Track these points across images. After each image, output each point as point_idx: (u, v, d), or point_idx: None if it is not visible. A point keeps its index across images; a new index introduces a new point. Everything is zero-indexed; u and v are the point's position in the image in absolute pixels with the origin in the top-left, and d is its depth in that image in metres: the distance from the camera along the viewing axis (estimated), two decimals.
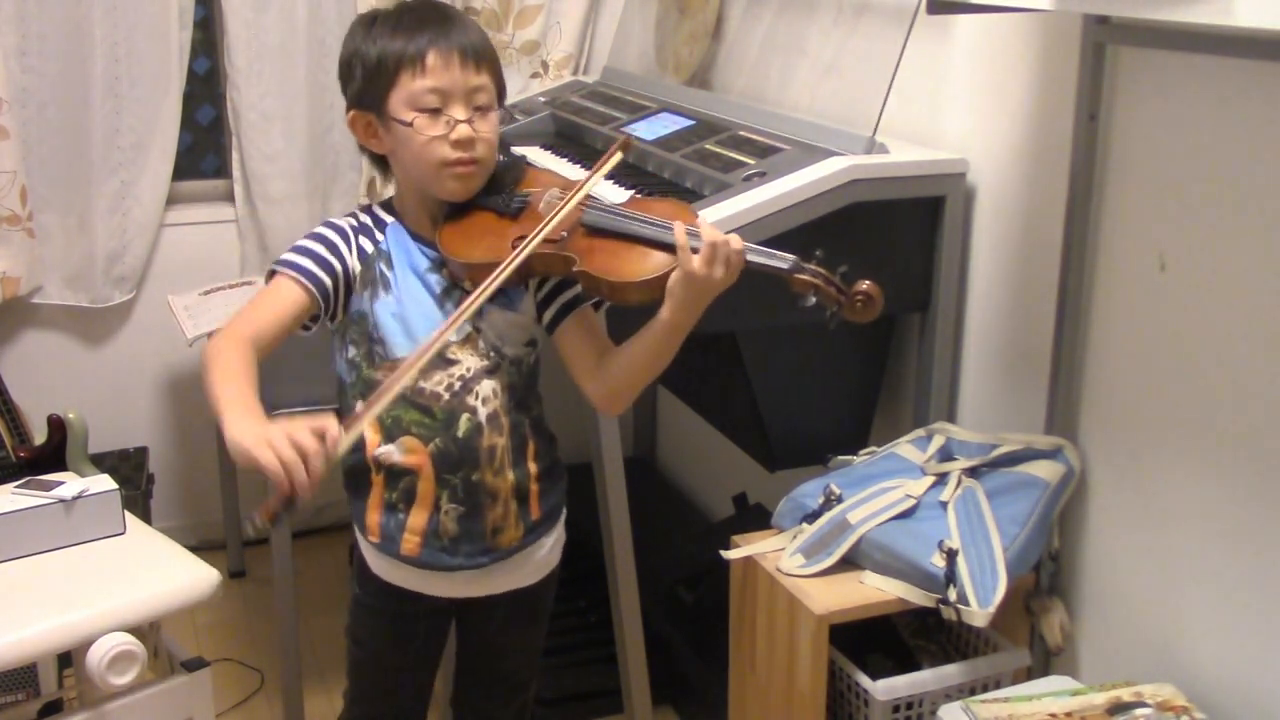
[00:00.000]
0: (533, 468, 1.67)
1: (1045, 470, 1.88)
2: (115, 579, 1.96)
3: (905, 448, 2.02)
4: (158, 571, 2.00)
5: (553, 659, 2.70)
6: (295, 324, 1.57)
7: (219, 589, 2.01)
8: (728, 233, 1.49)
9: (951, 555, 1.75)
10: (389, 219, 1.64)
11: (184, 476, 3.31)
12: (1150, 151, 1.75)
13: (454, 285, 1.60)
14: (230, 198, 3.23)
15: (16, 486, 2.08)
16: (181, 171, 3.19)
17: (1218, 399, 1.67)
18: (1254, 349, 1.61)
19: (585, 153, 2.54)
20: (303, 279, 1.56)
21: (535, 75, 3.26)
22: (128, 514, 2.12)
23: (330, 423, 1.37)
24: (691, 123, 2.43)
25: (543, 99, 3.01)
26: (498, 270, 1.51)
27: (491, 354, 1.62)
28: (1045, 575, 1.94)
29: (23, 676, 2.38)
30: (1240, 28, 1.36)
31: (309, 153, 3.17)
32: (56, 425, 2.72)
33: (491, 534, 1.65)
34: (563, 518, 1.77)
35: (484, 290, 1.50)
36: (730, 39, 2.77)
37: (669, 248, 1.51)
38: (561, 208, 1.56)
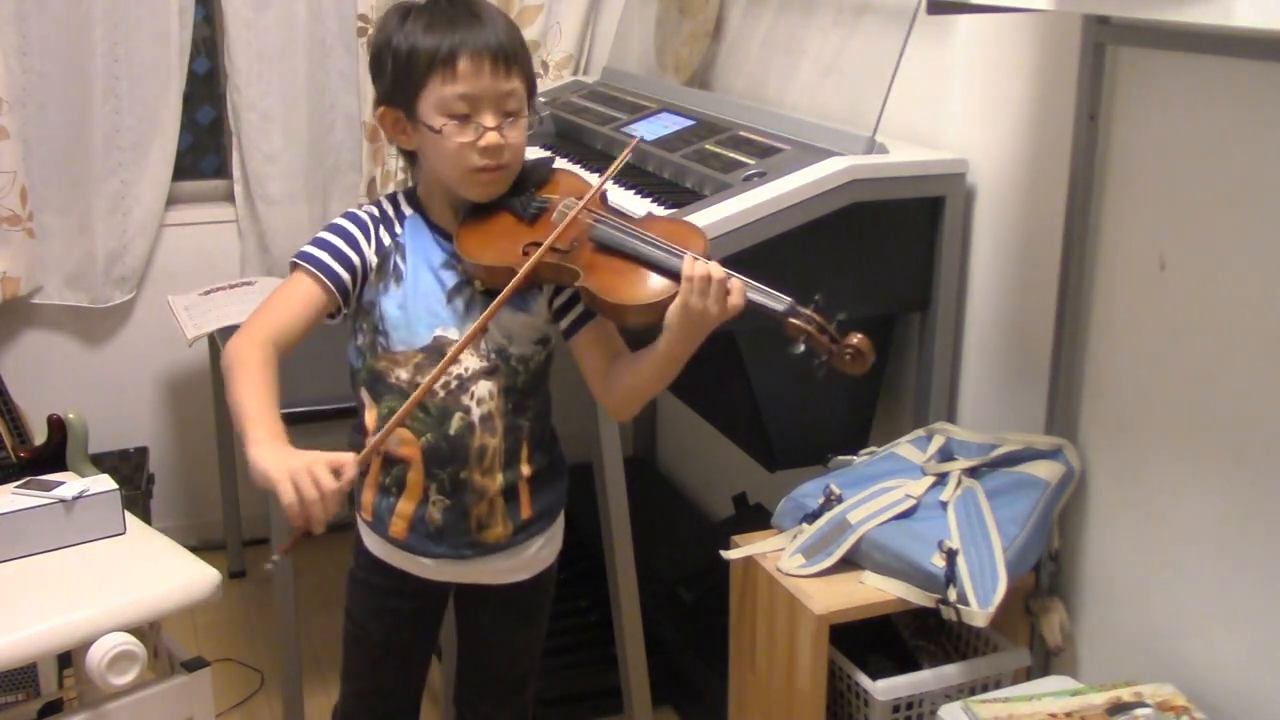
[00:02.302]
0: (525, 469, 1.68)
1: (1045, 470, 1.88)
2: (115, 579, 1.96)
3: (905, 448, 2.02)
4: (158, 571, 2.00)
5: (553, 659, 2.69)
6: (316, 321, 1.60)
7: (219, 589, 2.01)
8: (723, 261, 1.50)
9: (951, 555, 1.76)
10: (409, 211, 1.65)
11: (184, 476, 3.31)
12: (1150, 151, 1.75)
13: (466, 282, 1.61)
14: (230, 198, 3.23)
15: (16, 486, 2.08)
16: (181, 171, 3.19)
17: (1218, 399, 1.67)
18: (1254, 349, 1.61)
19: (585, 153, 2.54)
20: (322, 275, 1.58)
21: (535, 75, 3.26)
22: (128, 514, 2.12)
23: (349, 461, 1.42)
24: (691, 123, 2.43)
25: (543, 99, 3.00)
26: (502, 294, 1.52)
27: (492, 355, 1.62)
28: (1045, 575, 1.94)
29: (23, 676, 2.38)
30: (1240, 28, 1.36)
31: (309, 153, 3.17)
32: (56, 425, 2.72)
33: (476, 528, 1.67)
34: (559, 518, 1.77)
35: (489, 314, 1.53)
36: (730, 39, 2.77)
37: (672, 274, 1.51)
38: (565, 222, 1.56)
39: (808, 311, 1.50)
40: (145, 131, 3.05)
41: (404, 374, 1.61)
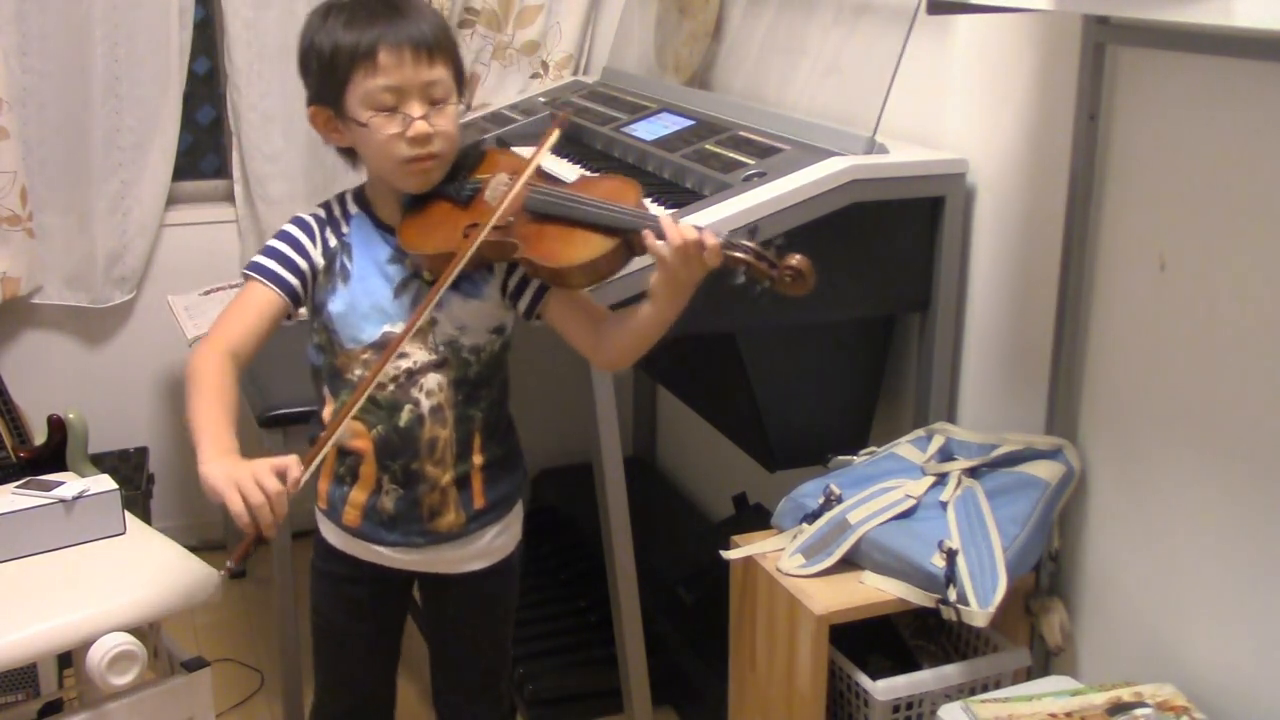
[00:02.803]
0: (478, 460, 1.70)
1: (1045, 470, 1.88)
2: (115, 579, 1.96)
3: (905, 448, 2.02)
4: (158, 571, 2.00)
5: (553, 659, 2.70)
6: (272, 327, 1.63)
7: (219, 589, 2.01)
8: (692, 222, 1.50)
9: (951, 555, 1.75)
10: (355, 210, 1.68)
11: (184, 476, 3.31)
12: (1150, 151, 1.75)
13: (414, 275, 1.63)
14: (230, 198, 3.23)
15: (16, 486, 2.08)
16: (181, 171, 3.19)
17: (1218, 399, 1.67)
18: (1254, 349, 1.61)
19: (585, 153, 2.54)
20: (272, 284, 1.62)
21: (535, 75, 3.26)
22: (128, 514, 2.12)
23: (292, 463, 1.45)
24: (691, 123, 2.42)
25: (543, 99, 3.01)
26: (440, 281, 1.53)
27: (441, 348, 1.64)
28: (1045, 575, 1.94)
29: (23, 676, 2.38)
30: (1240, 28, 1.36)
31: (309, 153, 3.17)
32: (56, 425, 2.72)
33: (429, 517, 1.69)
34: (516, 507, 1.79)
35: (428, 302, 1.54)
36: (730, 39, 2.77)
37: (608, 229, 1.53)
38: (506, 196, 1.57)
39: (744, 241, 1.49)
40: (145, 131, 3.05)
41: (358, 370, 1.64)
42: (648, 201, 2.11)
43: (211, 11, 3.19)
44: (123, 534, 2.09)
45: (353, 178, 3.43)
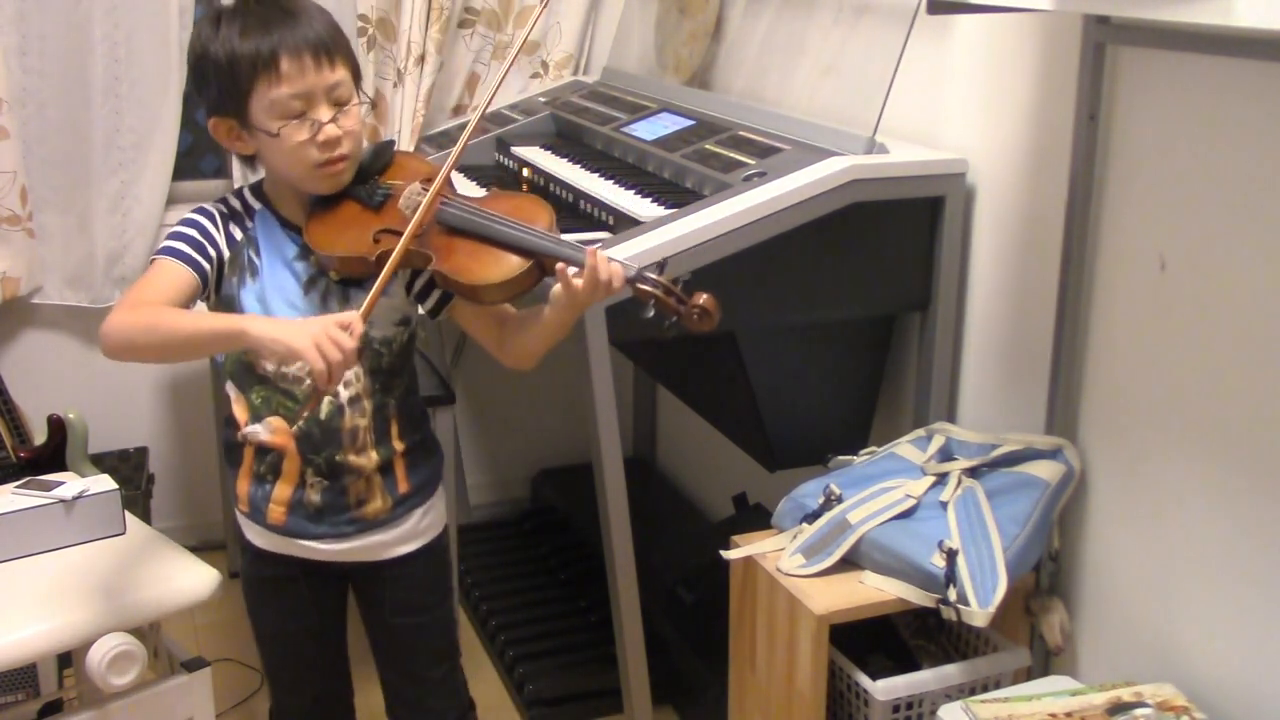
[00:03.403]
0: (398, 445, 1.72)
1: (1045, 470, 1.88)
2: (115, 579, 1.96)
3: (905, 448, 2.02)
4: (158, 571, 2.00)
5: (553, 659, 2.71)
6: (188, 304, 1.62)
7: (219, 589, 2.01)
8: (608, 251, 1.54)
9: (951, 555, 1.75)
10: (258, 205, 1.67)
11: (184, 476, 3.31)
12: (1150, 151, 1.75)
13: (320, 273, 1.64)
14: None
15: (16, 486, 2.08)
16: (181, 171, 3.19)
17: (1218, 399, 1.67)
18: (1254, 349, 1.61)
19: (585, 153, 2.54)
20: (187, 265, 1.60)
21: (535, 75, 3.26)
22: (128, 514, 2.12)
23: (355, 318, 1.47)
24: (691, 123, 2.43)
25: (543, 99, 3.01)
26: (374, 288, 1.52)
27: None
28: (1045, 575, 1.94)
29: (23, 676, 2.38)
30: (1240, 28, 1.36)
31: None
32: (56, 425, 2.72)
33: (355, 505, 1.70)
34: (438, 491, 1.81)
35: (374, 297, 1.52)
36: (730, 39, 2.77)
37: (523, 251, 1.55)
38: (420, 207, 1.57)
39: (653, 276, 1.52)
40: (145, 131, 3.05)
41: (269, 365, 1.64)
42: (648, 201, 2.13)
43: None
44: (123, 534, 2.09)
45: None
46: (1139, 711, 1.63)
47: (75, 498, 2.04)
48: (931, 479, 1.91)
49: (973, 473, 1.92)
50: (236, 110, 1.57)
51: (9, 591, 1.91)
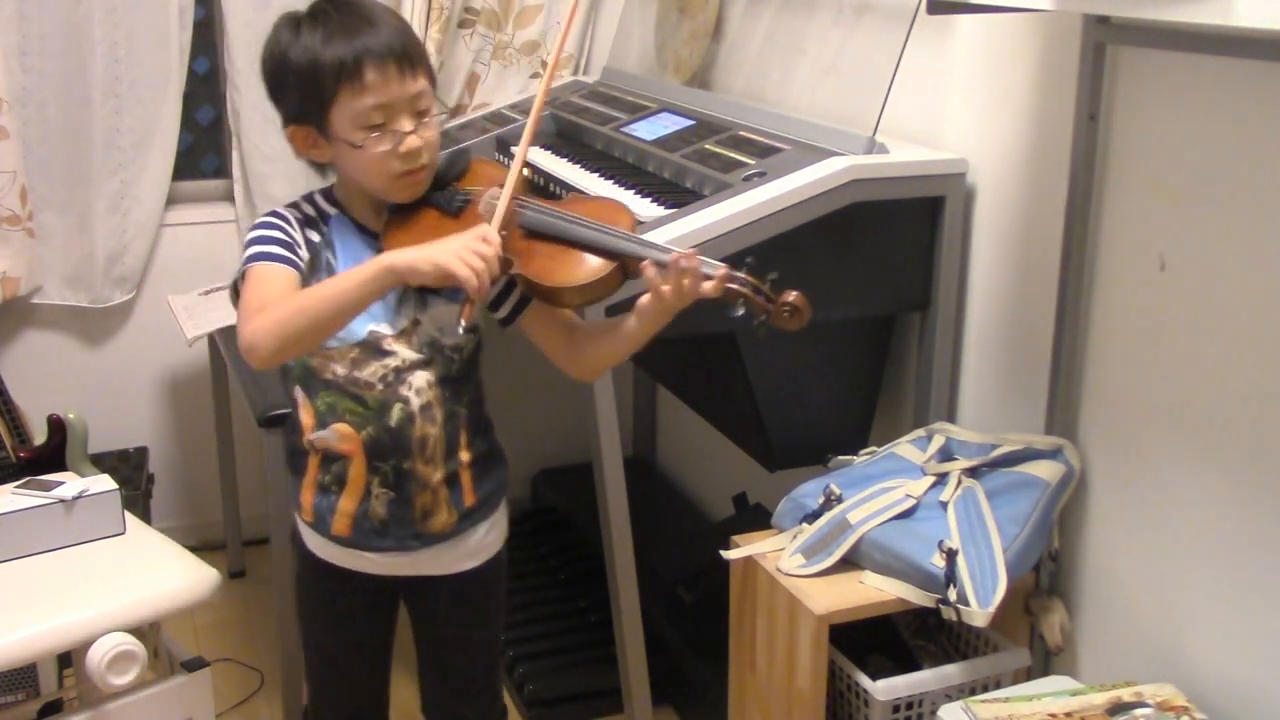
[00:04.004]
0: (465, 456, 1.69)
1: (1045, 470, 1.88)
2: (115, 579, 1.96)
3: (905, 448, 2.02)
4: (158, 571, 2.00)
5: (553, 659, 2.71)
6: None
7: (219, 589, 2.01)
8: (692, 246, 1.52)
9: (951, 555, 1.75)
10: (331, 210, 1.66)
11: (184, 476, 3.31)
12: (1150, 151, 1.75)
13: None
14: (230, 198, 3.23)
15: (16, 486, 2.08)
16: (181, 171, 3.19)
17: (1218, 398, 1.67)
18: (1254, 349, 1.61)
19: (585, 153, 2.54)
20: (285, 264, 1.58)
21: (535, 75, 3.26)
22: (128, 514, 2.12)
23: (489, 230, 1.49)
24: (691, 123, 2.42)
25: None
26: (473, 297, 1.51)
27: (425, 348, 1.63)
28: (1045, 575, 1.94)
29: (23, 676, 2.38)
30: (1240, 28, 1.36)
31: None
32: (56, 425, 2.72)
33: (421, 518, 1.67)
34: (502, 505, 1.78)
35: (471, 310, 1.51)
36: (730, 39, 2.77)
37: (606, 252, 1.54)
38: (501, 211, 1.56)
39: (742, 274, 1.50)
40: (145, 131, 3.05)
41: (340, 369, 1.61)
42: (648, 201, 2.12)
43: (211, 11, 3.19)
44: (123, 534, 2.09)
45: None
46: (1139, 711, 1.63)
47: (75, 498, 2.04)
48: (931, 479, 1.91)
49: (973, 473, 1.92)
50: (317, 119, 1.56)
51: (9, 591, 1.91)
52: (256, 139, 3.12)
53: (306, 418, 1.65)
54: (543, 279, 1.54)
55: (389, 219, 1.62)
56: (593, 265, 1.54)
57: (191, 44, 3.06)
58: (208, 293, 3.02)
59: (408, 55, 1.54)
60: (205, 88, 3.32)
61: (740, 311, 1.51)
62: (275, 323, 1.49)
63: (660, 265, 1.49)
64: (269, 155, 3.14)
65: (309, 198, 1.67)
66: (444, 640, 1.84)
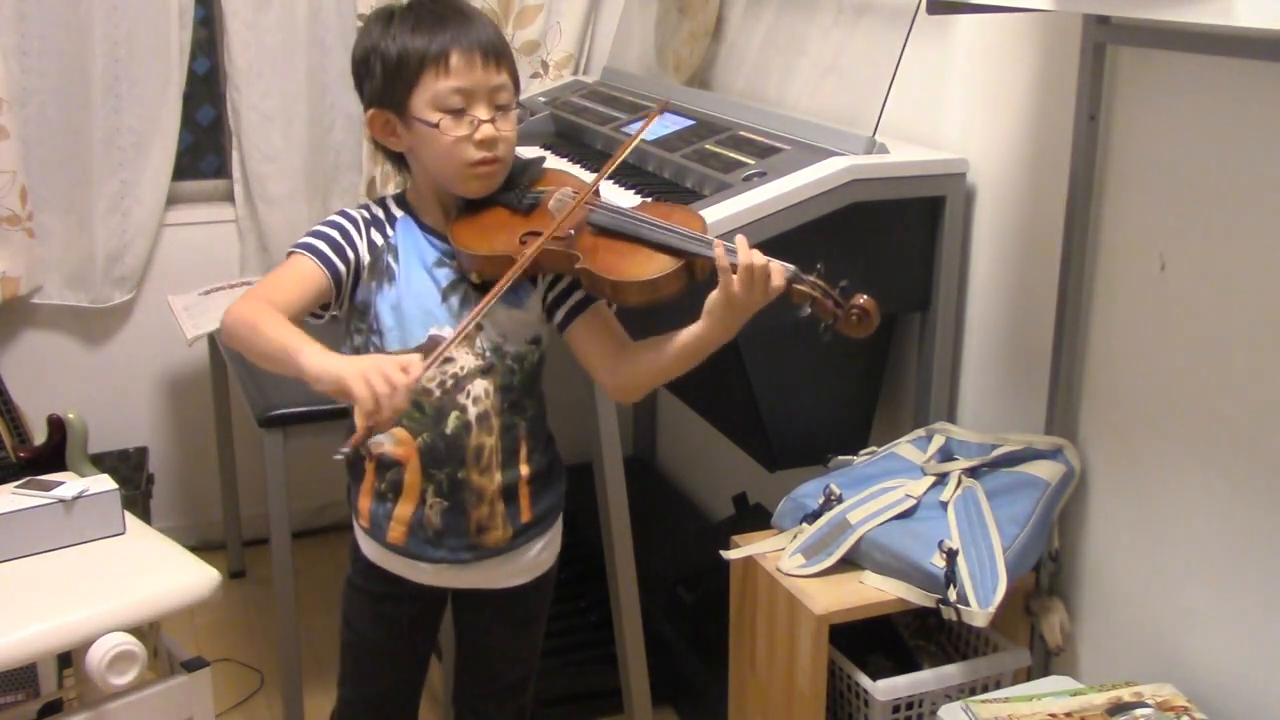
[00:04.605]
0: (524, 470, 1.68)
1: (1045, 470, 1.88)
2: (115, 579, 1.96)
3: (905, 448, 2.02)
4: (158, 571, 2.00)
5: (553, 659, 2.70)
6: (314, 304, 1.60)
7: (219, 589, 2.01)
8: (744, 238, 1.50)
9: (951, 555, 1.75)
10: (400, 213, 1.66)
11: (184, 476, 3.31)
12: (1150, 151, 1.75)
13: (461, 279, 1.62)
14: (230, 198, 3.23)
15: (16, 486, 2.08)
16: (181, 171, 3.19)
17: (1218, 399, 1.67)
18: (1254, 349, 1.61)
19: (585, 153, 2.54)
20: (321, 264, 1.59)
21: (535, 75, 3.26)
22: (128, 514, 2.12)
23: (414, 361, 1.43)
24: (691, 123, 2.42)
25: (543, 99, 3.00)
26: (508, 274, 1.52)
27: (487, 355, 1.63)
28: (1045, 575, 1.94)
29: (23, 676, 2.38)
30: (1240, 28, 1.36)
31: (309, 153, 3.17)
32: (56, 425, 2.72)
33: (476, 532, 1.67)
34: (559, 521, 1.77)
35: (501, 287, 1.52)
36: (730, 39, 2.77)
37: (673, 251, 1.53)
38: (576, 204, 1.58)
39: (812, 278, 1.51)
40: (145, 131, 3.05)
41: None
42: (648, 202, 2.12)
43: (211, 11, 3.19)
44: (122, 534, 2.09)
45: (353, 176, 3.44)
46: (1139, 711, 1.63)
47: (75, 498, 2.04)
48: (931, 479, 1.91)
49: (973, 473, 1.92)
50: (398, 102, 1.58)
51: (9, 591, 1.91)
52: (256, 139, 3.12)
53: (361, 420, 1.64)
54: (607, 273, 1.54)
55: (458, 215, 1.63)
56: (659, 261, 1.54)
57: (191, 44, 3.06)
58: (208, 293, 3.02)
59: (494, 49, 1.57)
60: (205, 88, 3.32)
61: (807, 312, 1.51)
62: (238, 320, 1.52)
63: (730, 264, 1.48)
64: (269, 155, 3.14)
65: (380, 201, 1.69)
66: (486, 646, 1.84)
